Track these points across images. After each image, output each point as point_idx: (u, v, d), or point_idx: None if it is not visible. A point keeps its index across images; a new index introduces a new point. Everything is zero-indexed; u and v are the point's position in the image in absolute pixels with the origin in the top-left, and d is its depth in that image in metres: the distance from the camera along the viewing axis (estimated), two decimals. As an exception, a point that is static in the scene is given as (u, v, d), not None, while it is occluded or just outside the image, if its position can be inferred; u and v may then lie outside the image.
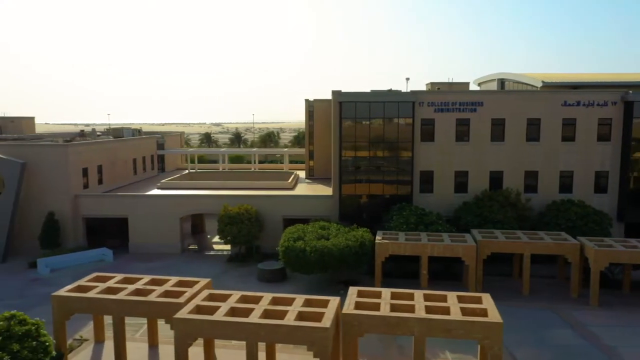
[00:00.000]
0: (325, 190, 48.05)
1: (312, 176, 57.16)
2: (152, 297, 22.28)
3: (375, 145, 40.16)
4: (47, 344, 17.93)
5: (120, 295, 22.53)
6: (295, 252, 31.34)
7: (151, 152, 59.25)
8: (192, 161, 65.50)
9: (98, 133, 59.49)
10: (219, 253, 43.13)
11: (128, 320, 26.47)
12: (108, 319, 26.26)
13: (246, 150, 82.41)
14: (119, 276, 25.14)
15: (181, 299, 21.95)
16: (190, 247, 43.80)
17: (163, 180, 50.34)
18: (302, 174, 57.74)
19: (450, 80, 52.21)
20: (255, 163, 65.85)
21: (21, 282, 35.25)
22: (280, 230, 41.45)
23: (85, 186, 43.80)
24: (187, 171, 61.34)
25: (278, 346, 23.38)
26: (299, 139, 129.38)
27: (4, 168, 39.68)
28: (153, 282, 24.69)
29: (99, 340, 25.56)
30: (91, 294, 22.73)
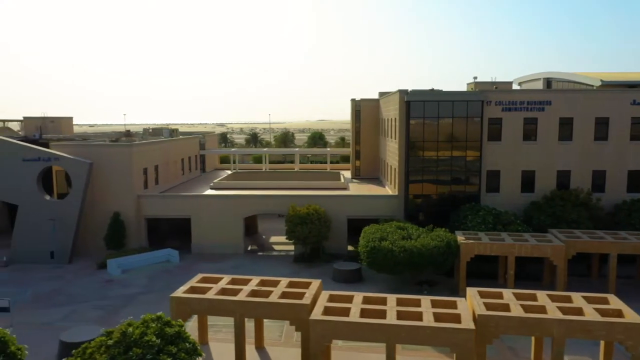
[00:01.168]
0: (378, 190, 47.88)
1: (358, 176, 56.91)
2: (274, 299, 22.02)
3: (442, 144, 39.90)
4: (195, 344, 17.66)
5: (241, 297, 22.27)
6: (382, 253, 31.04)
7: (195, 152, 58.96)
8: (234, 161, 65.24)
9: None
10: (281, 253, 42.86)
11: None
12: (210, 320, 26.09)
13: (289, 150, 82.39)
14: (226, 277, 24.88)
15: (305, 300, 21.71)
16: (250, 247, 43.50)
17: (216, 180, 50.07)
18: (345, 174, 57.24)
19: (494, 80, 51.85)
20: (297, 163, 65.57)
21: (97, 283, 34.94)
22: (344, 230, 41.27)
23: (145, 186, 43.50)
24: (229, 171, 61.07)
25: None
26: (315, 139, 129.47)
27: (71, 168, 39.35)
28: (263, 283, 24.43)
29: (203, 342, 25.23)
30: (210, 295, 22.46)
